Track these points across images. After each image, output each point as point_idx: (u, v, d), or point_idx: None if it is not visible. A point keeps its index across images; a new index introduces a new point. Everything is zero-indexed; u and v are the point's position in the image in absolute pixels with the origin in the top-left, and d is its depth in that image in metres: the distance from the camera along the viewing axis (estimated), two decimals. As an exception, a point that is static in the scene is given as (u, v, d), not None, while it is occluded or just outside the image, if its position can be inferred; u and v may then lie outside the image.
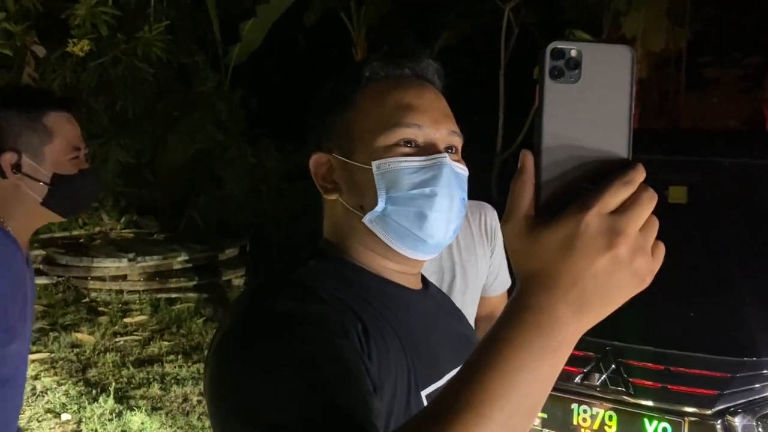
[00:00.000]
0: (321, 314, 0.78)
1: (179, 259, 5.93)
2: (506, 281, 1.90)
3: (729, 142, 3.91)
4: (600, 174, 0.55)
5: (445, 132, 0.90)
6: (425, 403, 0.83)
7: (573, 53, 0.56)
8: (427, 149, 0.87)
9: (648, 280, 0.55)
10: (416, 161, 0.86)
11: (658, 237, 0.56)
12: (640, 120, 7.79)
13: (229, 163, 6.95)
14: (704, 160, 3.51)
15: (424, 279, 0.99)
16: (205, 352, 4.00)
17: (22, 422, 3.54)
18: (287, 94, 7.27)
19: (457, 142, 0.91)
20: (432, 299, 0.98)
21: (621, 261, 0.53)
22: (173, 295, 5.61)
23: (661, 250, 0.56)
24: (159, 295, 5.57)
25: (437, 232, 0.87)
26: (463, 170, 0.90)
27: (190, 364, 4.29)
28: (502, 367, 0.54)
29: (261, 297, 0.83)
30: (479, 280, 1.80)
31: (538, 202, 0.56)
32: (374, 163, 0.87)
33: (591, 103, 0.56)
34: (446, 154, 0.88)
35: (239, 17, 7.47)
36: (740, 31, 8.09)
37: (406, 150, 0.87)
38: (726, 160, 3.44)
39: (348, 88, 0.92)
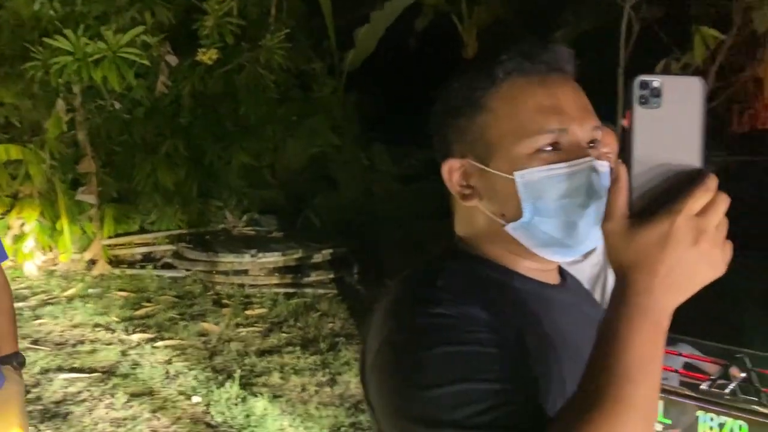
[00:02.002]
0: (474, 316, 0.78)
1: (296, 256, 6.19)
2: None
3: None
4: (682, 182, 0.69)
5: (589, 128, 0.86)
6: None
7: (656, 84, 0.70)
8: (572, 152, 0.83)
9: (722, 269, 0.69)
10: (563, 169, 0.82)
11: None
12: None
13: (344, 165, 7.16)
14: None
15: (561, 270, 0.98)
16: (321, 345, 4.12)
17: (158, 401, 3.85)
18: (399, 98, 7.41)
19: (598, 135, 0.87)
20: (570, 291, 0.97)
21: (703, 253, 0.67)
22: (290, 290, 5.85)
23: (730, 245, 0.69)
24: (277, 290, 5.82)
25: (586, 238, 0.85)
26: (605, 167, 0.86)
27: (307, 355, 4.48)
28: (630, 344, 0.68)
29: (413, 307, 0.81)
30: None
31: (631, 205, 0.70)
32: (517, 174, 0.83)
33: (671, 124, 0.70)
34: (592, 158, 0.84)
35: (354, 24, 7.68)
36: None
37: (550, 156, 0.83)
38: None
39: (479, 90, 0.87)
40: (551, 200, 0.83)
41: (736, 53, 6.72)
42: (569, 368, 0.81)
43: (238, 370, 4.20)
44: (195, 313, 5.33)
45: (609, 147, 1.94)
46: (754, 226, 3.14)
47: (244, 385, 4.02)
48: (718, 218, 0.68)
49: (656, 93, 0.70)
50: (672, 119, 0.70)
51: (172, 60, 6.35)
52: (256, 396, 3.87)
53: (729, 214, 0.69)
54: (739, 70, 6.93)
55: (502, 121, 0.85)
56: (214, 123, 6.95)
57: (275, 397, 3.90)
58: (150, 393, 3.97)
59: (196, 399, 3.89)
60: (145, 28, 5.64)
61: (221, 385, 4.02)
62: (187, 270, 6.21)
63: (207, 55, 6.13)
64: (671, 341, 2.12)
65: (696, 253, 0.67)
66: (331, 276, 6.14)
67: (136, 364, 4.34)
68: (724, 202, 0.68)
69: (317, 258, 6.23)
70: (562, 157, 0.83)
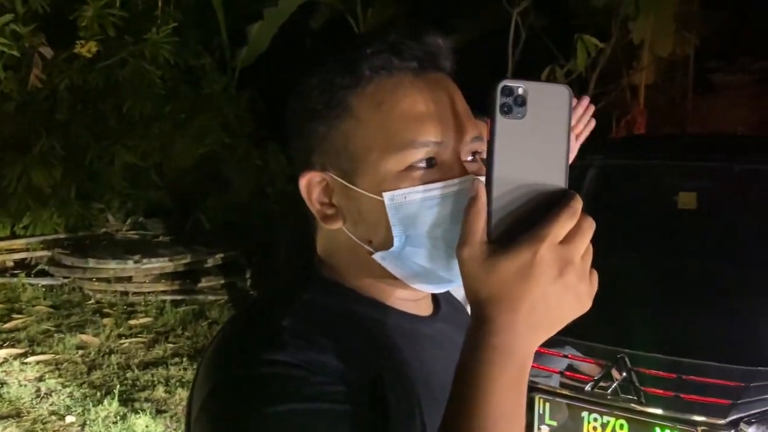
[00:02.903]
0: (323, 364, 0.67)
1: (185, 261, 5.92)
2: None
3: (741, 148, 3.87)
4: (545, 203, 0.61)
5: (468, 140, 0.73)
6: None
7: (520, 91, 0.62)
8: (449, 169, 0.71)
9: (588, 304, 0.62)
10: (439, 189, 0.70)
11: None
12: (648, 125, 7.76)
13: (236, 165, 6.94)
14: (714, 165, 3.48)
15: (435, 297, 0.86)
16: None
17: (26, 424, 3.53)
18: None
19: (479, 146, 0.75)
20: (444, 321, 0.84)
21: (569, 286, 0.60)
22: (178, 297, 5.60)
23: (595, 276, 0.63)
24: (164, 297, 5.56)
25: None
26: None
27: (195, 367, 4.28)
28: (490, 394, 0.60)
29: (248, 352, 0.68)
30: None
31: (491, 229, 0.62)
32: (386, 195, 0.70)
33: (535, 137, 0.62)
34: (472, 176, 0.71)
35: (246, 20, 7.47)
36: (749, 37, 8.06)
37: (425, 174, 0.70)
38: (737, 166, 3.41)
39: (341, 90, 0.72)
40: (425, 226, 0.70)
41: (615, 61, 7.10)
42: (432, 413, 0.71)
43: (118, 385, 3.94)
44: (72, 325, 4.98)
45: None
46: (632, 227, 3.29)
47: (124, 401, 3.77)
48: (584, 246, 0.61)
49: (520, 101, 0.62)
50: (536, 132, 0.62)
51: (47, 52, 5.89)
52: (137, 412, 3.64)
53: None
54: (618, 78, 7.33)
55: (368, 129, 0.71)
56: (95, 120, 6.55)
57: (159, 412, 3.69)
58: (17, 415, 3.64)
59: (70, 419, 3.61)
60: (14, 16, 5.21)
61: (99, 402, 3.75)
62: (65, 278, 5.81)
63: (86, 48, 5.76)
64: (556, 343, 2.15)
65: (561, 286, 0.60)
66: (223, 281, 5.93)
67: (2, 383, 3.97)
68: (590, 228, 0.61)
69: (208, 263, 5.99)
70: (438, 175, 0.71)
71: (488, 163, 0.62)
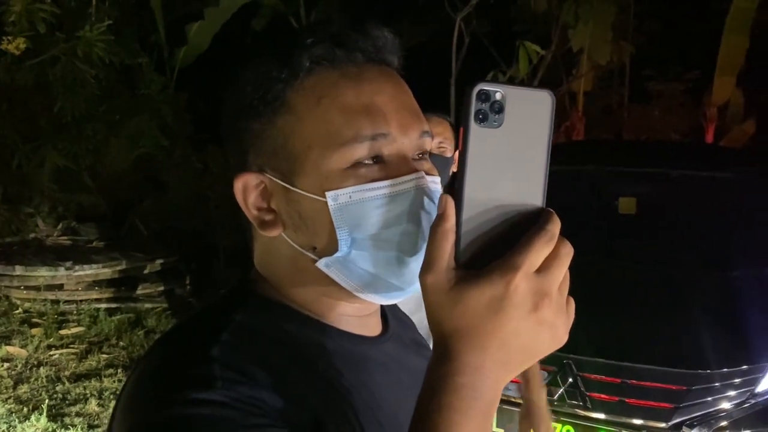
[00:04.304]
0: (257, 401, 0.60)
1: (120, 267, 5.70)
2: None
3: (677, 154, 3.98)
4: (520, 224, 0.55)
5: (416, 136, 0.68)
6: None
7: (498, 96, 0.55)
8: (397, 166, 0.66)
9: (564, 338, 0.57)
10: (386, 188, 0.65)
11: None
12: (586, 131, 7.96)
13: (174, 168, 6.74)
14: (653, 171, 3.56)
15: (383, 313, 0.80)
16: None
17: (-55, 444, 3.31)
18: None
19: (428, 144, 0.70)
20: (393, 342, 0.78)
21: (543, 321, 0.54)
22: (113, 306, 5.38)
23: (572, 306, 0.57)
24: (98, 306, 5.33)
25: (417, 275, 0.63)
26: (437, 184, 0.69)
27: (130, 378, 4.11)
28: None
29: (173, 388, 0.61)
30: None
31: (459, 253, 0.55)
32: (329, 195, 0.65)
33: (512, 149, 0.55)
34: (422, 173, 0.67)
35: (186, 19, 7.29)
36: (681, 47, 8.37)
37: (370, 171, 0.66)
38: (675, 172, 3.50)
39: (278, 84, 0.67)
40: (373, 228, 0.65)
41: (554, 69, 7.25)
42: None
43: (47, 400, 3.74)
44: (-3, 336, 4.71)
45: (442, 136, 1.89)
46: (574, 232, 3.33)
47: (53, 417, 3.58)
48: (561, 275, 0.55)
49: (498, 108, 0.55)
50: (513, 143, 0.55)
51: (-29, 48, 5.61)
52: (68, 428, 3.46)
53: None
54: (557, 85, 7.49)
55: (307, 125, 0.66)
56: (24, 120, 6.25)
57: (91, 427, 3.52)
58: (-65, 434, 3.41)
59: (-7, 437, 3.40)
60: (-66, 9, 4.93)
61: (26, 418, 3.55)
62: (-11, 286, 5.50)
63: (14, 45, 5.49)
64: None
65: (535, 321, 0.54)
66: (161, 288, 5.73)
67: None
68: (568, 255, 0.55)
69: (145, 269, 5.78)
70: (384, 173, 0.66)
71: (459, 176, 0.56)
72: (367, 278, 0.68)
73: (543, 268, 0.54)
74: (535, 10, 6.88)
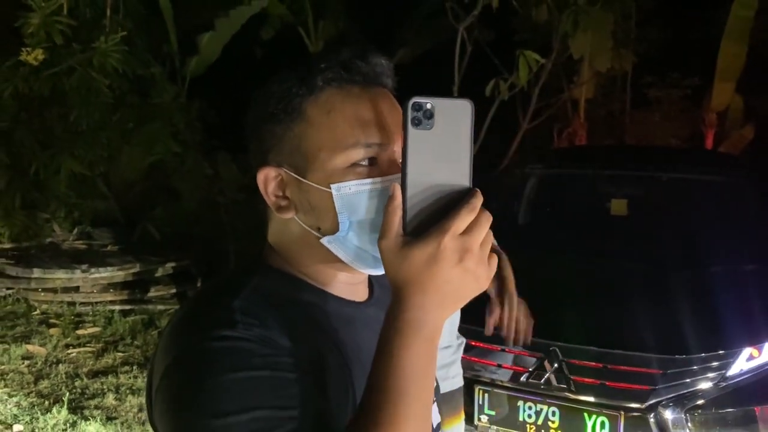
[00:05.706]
0: (270, 339, 0.77)
1: (133, 270, 5.87)
2: None
3: (669, 159, 4.12)
4: (451, 200, 0.73)
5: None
6: None
7: (428, 106, 0.73)
8: (388, 167, 0.83)
9: (486, 284, 0.75)
10: (378, 184, 0.82)
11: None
12: (588, 137, 8.08)
13: (186, 175, 6.92)
14: (644, 175, 3.71)
15: (371, 283, 0.98)
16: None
17: (-28, 434, 3.49)
18: (245, 107, 7.28)
19: None
20: (376, 306, 0.94)
21: (468, 270, 0.72)
22: (127, 307, 5.55)
23: (494, 260, 0.75)
24: (113, 307, 5.50)
25: None
26: None
27: (145, 374, 4.28)
28: (404, 360, 0.73)
29: (204, 328, 0.78)
30: None
31: (405, 223, 0.73)
32: (333, 187, 0.82)
33: (442, 144, 0.73)
34: None
35: (197, 29, 7.47)
36: (681, 54, 8.49)
37: (365, 170, 0.82)
38: (665, 176, 3.65)
39: (297, 98, 0.85)
40: (365, 214, 0.82)
41: (556, 76, 7.39)
42: (362, 386, 0.80)
43: (67, 394, 3.92)
44: (18, 335, 4.89)
45: None
46: (568, 231, 3.48)
47: (73, 409, 3.75)
48: (482, 236, 0.73)
49: (428, 115, 0.72)
50: (443, 140, 0.73)
51: (-9, 59, 5.81)
52: (87, 420, 3.63)
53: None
54: (559, 92, 7.62)
55: (318, 131, 0.84)
56: (41, 128, 6.43)
57: (109, 419, 3.68)
58: (-38, 425, 3.59)
59: (17, 428, 3.57)
60: (-44, 23, 5.12)
61: (48, 410, 3.72)
62: (9, 288, 5.68)
63: (32, 56, 5.68)
64: (496, 338, 2.30)
65: (461, 270, 0.72)
66: (173, 291, 5.90)
67: (-55, 395, 3.90)
68: (487, 221, 0.73)
69: (158, 272, 5.96)
70: (377, 172, 0.83)
71: (403, 167, 0.74)
72: (358, 253, 0.85)
73: (467, 231, 0.72)
74: (536, 20, 7.03)
